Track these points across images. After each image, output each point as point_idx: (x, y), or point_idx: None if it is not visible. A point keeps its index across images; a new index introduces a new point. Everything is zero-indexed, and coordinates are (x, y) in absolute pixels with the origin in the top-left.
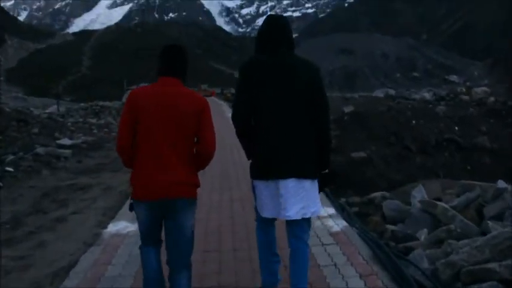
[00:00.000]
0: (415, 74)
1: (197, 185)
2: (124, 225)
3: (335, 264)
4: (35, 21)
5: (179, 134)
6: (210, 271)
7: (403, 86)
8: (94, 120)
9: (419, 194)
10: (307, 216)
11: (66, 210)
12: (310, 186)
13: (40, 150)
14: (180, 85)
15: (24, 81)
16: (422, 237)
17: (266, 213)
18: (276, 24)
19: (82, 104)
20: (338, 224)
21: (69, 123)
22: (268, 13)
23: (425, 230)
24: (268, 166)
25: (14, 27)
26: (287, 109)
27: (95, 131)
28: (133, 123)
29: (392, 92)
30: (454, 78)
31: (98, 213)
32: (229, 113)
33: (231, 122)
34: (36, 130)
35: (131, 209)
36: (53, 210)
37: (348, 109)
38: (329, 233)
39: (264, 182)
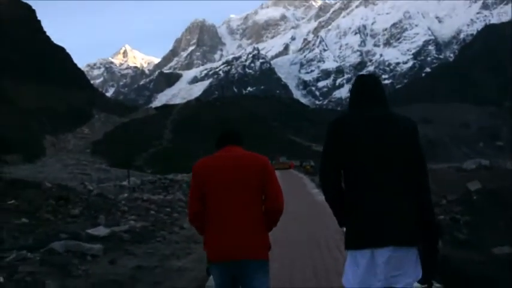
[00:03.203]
0: (499, 143)
1: (267, 247)
2: None
3: None
4: (121, 97)
5: (245, 194)
6: None
7: (486, 155)
8: (158, 196)
9: None
10: (397, 286)
11: None
12: (408, 254)
13: (56, 245)
14: (240, 149)
15: (109, 153)
16: None
17: (358, 285)
18: (365, 82)
19: (150, 178)
20: None
21: (123, 202)
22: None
23: None
24: (364, 233)
25: (101, 103)
26: (381, 168)
27: (153, 211)
28: (202, 192)
29: (486, 162)
30: None
31: None
32: (313, 189)
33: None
34: (76, 211)
35: (208, 273)
36: None
37: (474, 186)
38: None
39: (359, 252)
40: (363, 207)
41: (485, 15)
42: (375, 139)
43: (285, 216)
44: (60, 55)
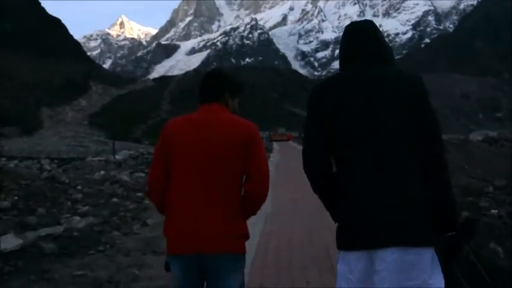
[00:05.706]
0: (499, 114)
1: (244, 237)
2: None
3: None
4: (118, 69)
5: (217, 171)
6: None
7: (486, 127)
8: (138, 174)
9: None
10: None
11: None
12: (422, 257)
13: None
14: (222, 111)
15: (107, 125)
16: None
17: None
18: (356, 32)
19: (131, 152)
20: None
21: (79, 187)
22: None
23: None
24: (359, 230)
25: (98, 75)
26: (381, 143)
27: (116, 199)
28: (166, 159)
29: (493, 134)
30: None
31: None
32: None
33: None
34: (7, 203)
35: (167, 268)
36: None
37: None
38: None
39: (354, 254)
40: (358, 195)
41: None
42: (367, 105)
43: (280, 206)
44: (56, 27)
